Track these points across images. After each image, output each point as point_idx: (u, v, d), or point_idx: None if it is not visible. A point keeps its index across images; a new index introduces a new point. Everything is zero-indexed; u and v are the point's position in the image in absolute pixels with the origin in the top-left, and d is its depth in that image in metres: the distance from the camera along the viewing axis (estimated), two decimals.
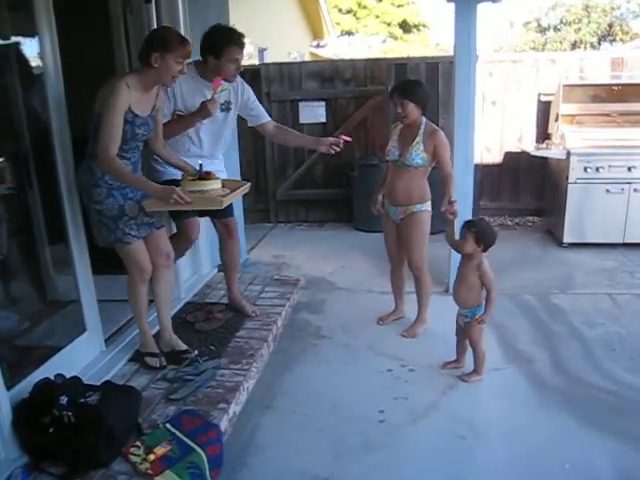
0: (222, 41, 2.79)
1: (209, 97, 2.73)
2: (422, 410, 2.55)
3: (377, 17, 16.36)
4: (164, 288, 2.74)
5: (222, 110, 2.93)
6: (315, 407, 2.60)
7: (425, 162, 3.04)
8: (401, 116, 3.01)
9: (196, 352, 2.79)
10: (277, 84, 5.70)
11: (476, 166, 5.35)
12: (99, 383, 2.29)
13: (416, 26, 16.93)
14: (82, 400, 2.07)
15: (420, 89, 3.06)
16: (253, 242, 5.33)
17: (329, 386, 2.78)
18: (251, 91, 3.13)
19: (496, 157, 5.63)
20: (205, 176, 2.52)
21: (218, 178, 2.57)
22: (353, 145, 5.70)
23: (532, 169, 5.51)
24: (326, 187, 5.87)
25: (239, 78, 3.00)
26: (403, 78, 3.31)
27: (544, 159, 5.08)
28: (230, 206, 3.18)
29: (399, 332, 3.32)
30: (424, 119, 3.06)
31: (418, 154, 3.02)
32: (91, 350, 2.68)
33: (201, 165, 2.56)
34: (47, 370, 2.33)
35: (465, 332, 2.77)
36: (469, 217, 3.65)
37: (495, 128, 5.55)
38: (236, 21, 8.26)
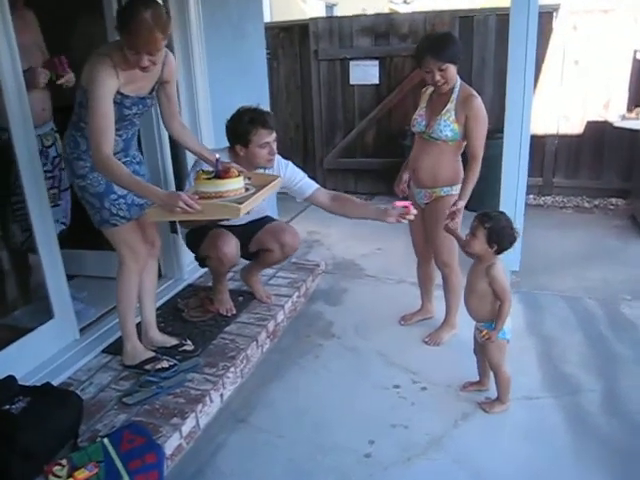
0: (245, 127, 2.49)
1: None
2: (421, 446, 2.08)
3: None
4: (149, 279, 2.43)
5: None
6: (295, 427, 2.21)
7: (456, 135, 2.47)
8: (440, 84, 2.42)
9: (189, 342, 2.49)
10: (326, 41, 5.14)
11: (534, 137, 4.64)
12: (40, 384, 2.02)
13: None
14: (6, 407, 1.81)
15: (457, 44, 2.46)
16: (291, 214, 4.94)
17: (319, 401, 2.37)
18: (291, 167, 2.73)
19: (576, 127, 4.75)
20: (223, 174, 2.07)
21: (240, 174, 2.12)
22: (408, 110, 5.07)
23: (619, 142, 4.60)
24: (377, 156, 5.31)
25: (277, 157, 2.63)
26: (429, 35, 2.63)
27: (634, 132, 4.21)
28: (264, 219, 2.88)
29: (422, 336, 2.82)
30: (459, 80, 2.47)
31: (448, 125, 2.45)
32: (60, 339, 2.44)
33: (218, 159, 2.13)
34: (3, 358, 2.17)
35: (483, 350, 2.24)
36: (516, 197, 3.05)
37: (577, 93, 4.67)
38: None
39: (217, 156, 2.16)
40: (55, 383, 2.21)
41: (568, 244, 3.98)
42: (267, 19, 7.00)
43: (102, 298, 2.79)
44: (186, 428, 2.05)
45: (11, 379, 1.93)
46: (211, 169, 2.17)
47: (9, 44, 2.10)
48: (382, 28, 4.97)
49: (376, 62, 5.05)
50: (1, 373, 1.98)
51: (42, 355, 2.34)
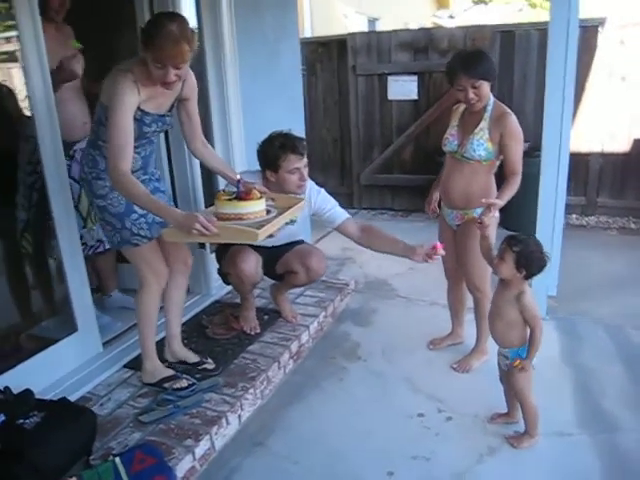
0: (275, 152, 2.48)
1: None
2: None
3: None
4: (176, 294, 2.42)
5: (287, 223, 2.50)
6: (312, 454, 2.14)
7: (490, 154, 2.37)
8: (473, 101, 2.33)
9: (210, 360, 2.47)
10: (364, 56, 5.11)
11: (577, 155, 4.43)
12: (57, 398, 2.03)
13: None
14: (20, 421, 1.82)
15: (489, 61, 2.37)
16: (326, 230, 4.86)
17: (339, 428, 2.29)
18: (323, 194, 2.71)
19: (622, 145, 4.52)
20: (244, 195, 2.00)
21: (262, 196, 2.06)
22: (446, 127, 4.96)
23: None
24: (415, 172, 5.20)
25: (309, 184, 2.62)
26: (461, 52, 2.52)
27: None
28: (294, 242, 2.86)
29: (450, 362, 2.71)
30: (492, 97, 2.38)
31: (481, 144, 2.35)
32: (83, 352, 2.45)
33: (239, 180, 2.08)
34: (25, 369, 2.21)
35: (508, 378, 2.12)
36: (554, 217, 2.90)
37: (623, 110, 4.44)
38: None
39: (238, 176, 2.13)
40: (75, 397, 2.24)
41: (611, 267, 3.78)
42: (308, 34, 7.05)
43: (131, 311, 2.81)
44: (200, 450, 2.01)
45: (28, 393, 1.94)
46: (233, 189, 2.12)
47: (40, 60, 2.14)
48: (421, 43, 4.90)
49: (415, 77, 4.97)
50: (24, 384, 2.00)
51: (64, 368, 2.36)
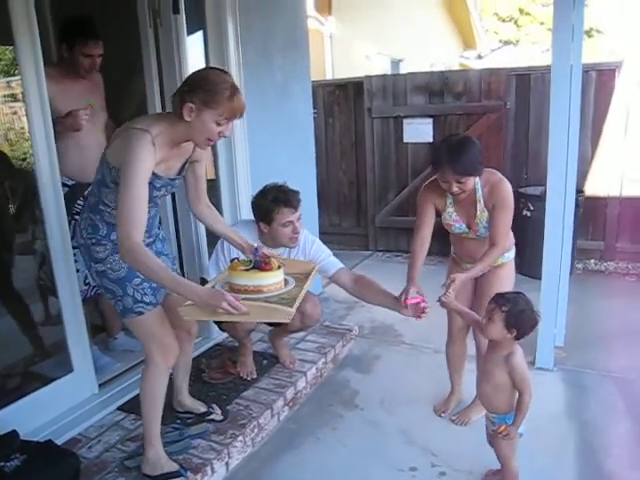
0: (268, 205, 2.49)
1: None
2: None
3: (542, 24, 14.58)
4: (184, 359, 2.33)
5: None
6: None
7: None
8: (457, 194, 2.25)
9: (218, 411, 2.42)
10: (380, 99, 5.17)
11: (594, 199, 4.33)
12: (42, 440, 2.05)
13: (587, 32, 14.79)
14: (1, 464, 1.83)
15: (478, 154, 2.21)
16: None
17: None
18: (317, 244, 2.72)
19: None
20: (263, 266, 1.88)
21: (281, 265, 1.95)
22: None
23: None
24: None
25: (304, 234, 2.67)
26: (449, 141, 2.25)
27: None
28: None
29: (450, 414, 2.64)
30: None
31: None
32: (78, 392, 2.48)
33: (257, 248, 1.98)
34: (19, 408, 2.23)
35: (493, 442, 2.04)
36: (560, 263, 2.82)
37: None
38: (366, 27, 8.00)
39: (256, 245, 2.03)
40: (65, 438, 2.25)
41: (628, 316, 3.63)
42: (329, 76, 7.20)
43: (133, 353, 2.86)
44: None
45: (13, 434, 1.96)
46: (243, 256, 2.04)
47: (41, 100, 2.24)
48: (436, 86, 4.94)
49: (430, 120, 4.99)
50: (15, 423, 2.04)
51: (58, 408, 2.37)
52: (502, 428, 1.92)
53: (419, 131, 5.07)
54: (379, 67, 8.33)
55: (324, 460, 2.37)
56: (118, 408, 2.51)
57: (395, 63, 8.97)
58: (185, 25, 2.84)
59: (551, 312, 2.88)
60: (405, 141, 5.15)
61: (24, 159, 3.37)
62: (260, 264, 1.89)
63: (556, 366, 2.98)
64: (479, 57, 15.49)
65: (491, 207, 2.28)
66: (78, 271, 2.61)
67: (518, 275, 4.23)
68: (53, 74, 2.37)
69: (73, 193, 2.60)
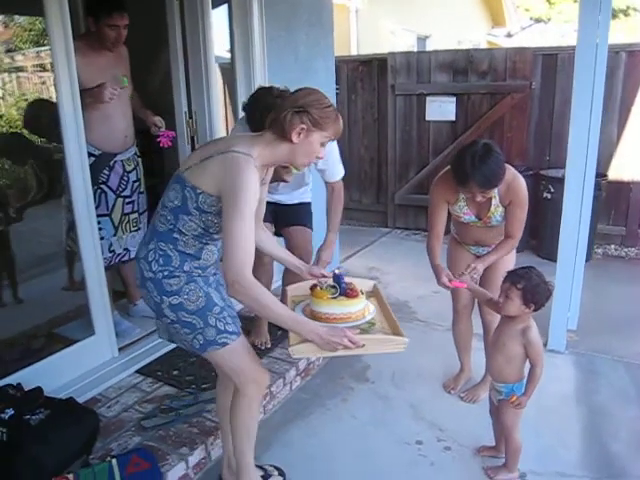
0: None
1: None
2: None
3: (575, 1, 14.04)
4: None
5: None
6: (305, 473, 2.16)
7: None
8: (478, 201, 2.25)
9: (275, 472, 2.13)
10: (404, 76, 5.13)
11: (619, 184, 4.26)
12: (64, 397, 2.15)
13: (623, 10, 14.17)
14: (27, 417, 1.93)
15: (501, 164, 2.14)
16: (355, 248, 4.93)
17: (336, 449, 2.31)
18: (334, 146, 2.52)
19: None
20: (351, 293, 1.81)
21: (362, 291, 1.87)
22: None
23: None
24: None
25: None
26: (471, 153, 2.10)
27: None
28: (303, 212, 2.85)
29: (459, 391, 2.68)
30: None
31: (502, 215, 2.34)
32: (99, 355, 2.58)
33: (340, 276, 1.88)
34: (43, 367, 2.34)
35: (498, 412, 2.08)
36: (576, 247, 2.82)
37: None
38: (392, 2, 7.85)
39: (337, 271, 1.92)
40: (86, 397, 2.35)
41: None
42: (354, 52, 7.12)
43: (151, 320, 2.93)
44: (193, 459, 2.08)
45: (38, 391, 2.07)
46: (324, 282, 1.90)
47: (69, 70, 2.30)
48: (461, 64, 4.88)
49: (453, 99, 4.94)
50: (40, 381, 2.14)
51: (80, 369, 2.48)
52: (514, 398, 1.96)
53: (442, 109, 5.02)
54: (405, 43, 8.20)
55: (333, 429, 2.44)
56: (136, 371, 2.61)
57: (421, 40, 8.82)
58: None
59: (565, 296, 2.88)
60: (427, 119, 5.12)
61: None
62: (346, 291, 1.82)
63: (568, 349, 2.99)
64: (509, 35, 15.08)
65: (507, 203, 2.28)
66: (102, 239, 2.70)
67: (537, 258, 4.29)
68: (80, 47, 2.42)
69: (99, 162, 2.66)
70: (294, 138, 1.63)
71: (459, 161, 2.14)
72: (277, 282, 3.08)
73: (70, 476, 1.88)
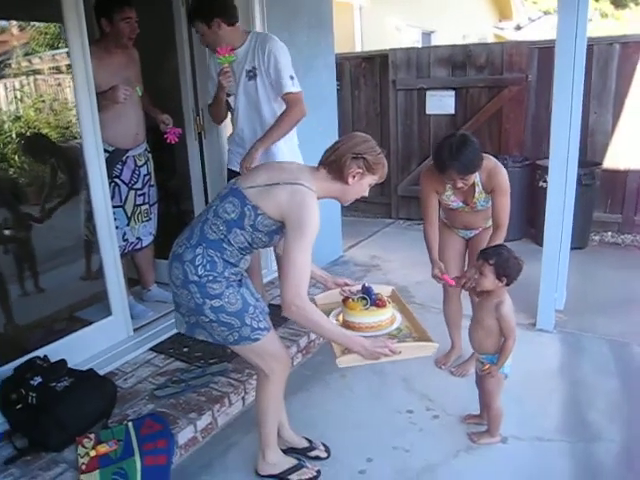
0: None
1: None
2: (415, 470, 2.16)
3: None
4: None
5: (249, 78, 2.68)
6: None
7: None
8: (462, 188, 2.41)
9: (322, 447, 2.28)
10: (404, 71, 5.29)
11: (614, 172, 4.36)
12: (85, 369, 2.38)
13: (622, 3, 13.98)
14: (52, 384, 2.16)
15: (477, 151, 2.32)
16: (359, 238, 5.11)
17: (333, 418, 2.51)
18: (281, 55, 2.65)
19: None
20: (379, 302, 2.01)
21: (389, 300, 2.08)
22: (484, 141, 5.07)
23: None
24: None
25: (261, 36, 2.73)
26: (448, 143, 2.30)
27: None
28: None
29: (450, 366, 2.87)
30: None
31: (486, 200, 2.52)
32: (115, 334, 2.81)
33: (369, 288, 2.06)
34: (66, 343, 2.57)
35: (480, 381, 2.26)
36: (561, 231, 2.98)
37: None
38: (394, 1, 7.93)
39: (366, 284, 2.10)
40: (104, 371, 2.58)
41: (636, 286, 3.75)
42: (358, 48, 7.29)
43: (164, 304, 3.17)
44: (201, 423, 2.29)
45: (62, 362, 2.30)
46: (355, 294, 2.08)
47: (87, 74, 2.52)
48: (459, 59, 5.03)
49: (452, 93, 5.10)
50: (63, 355, 2.38)
51: (98, 346, 2.71)
52: (487, 366, 2.15)
53: (441, 103, 5.18)
54: (409, 39, 8.34)
55: (331, 401, 2.64)
56: (150, 349, 2.84)
57: (426, 35, 8.95)
58: None
59: (552, 277, 3.04)
60: (428, 113, 5.28)
61: (67, 127, 3.68)
62: (376, 301, 2.01)
63: (556, 328, 3.15)
64: (518, 28, 15.05)
65: (490, 191, 2.45)
66: (117, 228, 2.92)
67: (534, 245, 4.44)
68: (95, 51, 2.63)
69: (113, 158, 2.88)
70: (349, 180, 1.84)
71: (438, 151, 2.33)
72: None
73: (92, 436, 2.12)
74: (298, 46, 3.73)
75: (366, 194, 1.93)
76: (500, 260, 2.07)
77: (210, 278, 1.81)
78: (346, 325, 2.00)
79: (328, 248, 4.41)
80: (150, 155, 3.13)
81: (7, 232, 3.27)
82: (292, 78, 2.67)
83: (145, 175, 3.07)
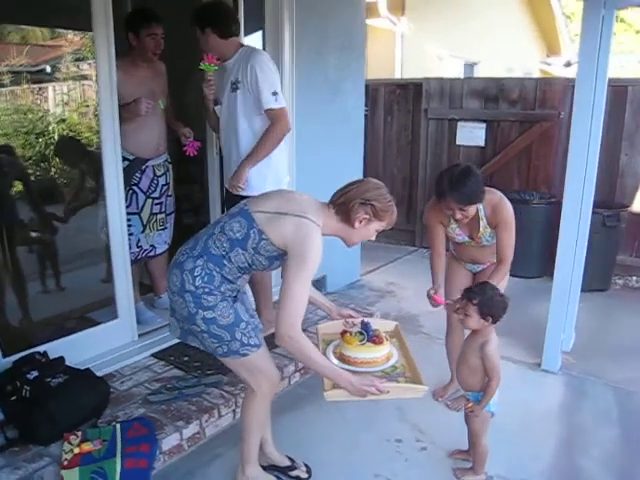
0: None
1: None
2: None
3: (638, 32, 13.77)
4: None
5: (232, 90, 2.73)
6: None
7: None
8: (461, 220, 2.40)
9: (303, 468, 2.28)
10: (437, 101, 5.32)
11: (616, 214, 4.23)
12: (82, 368, 2.46)
13: None
14: (48, 379, 2.25)
15: (478, 182, 2.31)
16: (379, 264, 5.11)
17: (321, 440, 2.50)
18: (263, 70, 2.67)
19: None
20: (376, 339, 2.03)
21: (387, 338, 2.10)
22: (512, 175, 5.05)
23: None
24: None
25: (249, 50, 2.78)
26: (450, 172, 2.33)
27: None
28: None
29: (447, 399, 2.83)
30: None
31: (492, 236, 2.51)
32: (120, 337, 2.89)
33: (367, 324, 2.11)
34: (70, 342, 2.66)
35: (467, 418, 2.22)
36: (572, 272, 2.92)
37: None
38: (439, 28, 8.01)
39: (365, 319, 2.15)
40: (103, 372, 2.65)
41: None
42: (398, 75, 7.36)
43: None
44: (188, 432, 2.33)
45: (60, 359, 2.39)
46: (353, 329, 2.12)
47: (111, 84, 2.65)
48: (492, 92, 5.03)
49: (483, 125, 5.09)
50: (66, 353, 2.46)
51: (102, 347, 2.78)
52: (470, 405, 2.12)
53: (472, 135, 5.17)
54: (452, 69, 8.37)
55: (321, 422, 2.63)
56: (152, 355, 2.91)
57: (469, 66, 8.95)
58: (242, 25, 3.15)
59: (560, 318, 2.98)
60: (458, 143, 5.27)
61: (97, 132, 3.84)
62: (373, 338, 2.04)
63: (561, 370, 3.07)
64: (568, 64, 14.82)
65: (495, 226, 2.44)
66: (132, 234, 3.04)
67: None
68: (122, 64, 2.77)
69: (132, 166, 3.01)
70: (355, 225, 1.89)
71: (440, 179, 2.35)
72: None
73: (79, 433, 2.19)
74: (326, 68, 3.81)
75: (373, 238, 1.97)
76: (484, 299, 2.04)
77: (206, 290, 1.84)
78: (342, 359, 2.02)
79: (345, 271, 4.44)
80: (170, 166, 3.25)
81: (33, 231, 3.46)
82: (275, 94, 2.69)
83: (163, 185, 3.18)
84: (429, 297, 2.57)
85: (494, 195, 2.46)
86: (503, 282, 2.59)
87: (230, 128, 2.82)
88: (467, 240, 2.58)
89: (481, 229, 2.49)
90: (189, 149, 3.13)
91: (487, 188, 2.42)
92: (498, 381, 2.07)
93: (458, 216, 2.36)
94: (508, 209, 2.44)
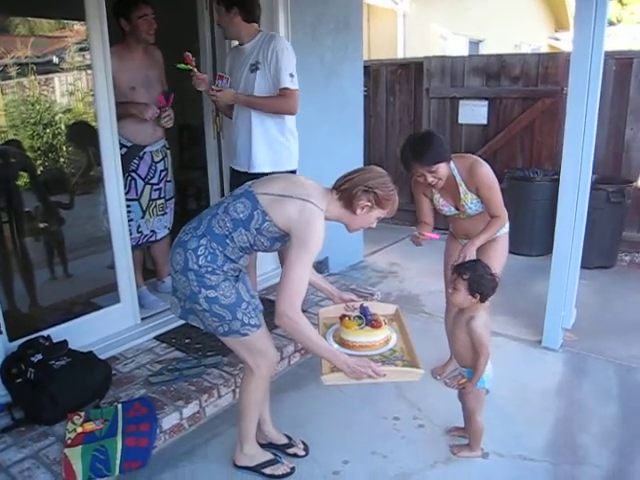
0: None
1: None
2: (389, 477, 2.17)
3: None
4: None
5: (251, 71, 2.79)
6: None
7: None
8: (434, 183, 2.40)
9: (301, 445, 2.32)
10: (438, 79, 5.27)
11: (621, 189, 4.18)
12: (85, 351, 2.51)
13: None
14: (51, 362, 2.31)
15: (440, 143, 2.37)
16: (383, 244, 5.11)
17: (319, 418, 2.54)
18: (284, 53, 2.73)
19: None
20: (375, 323, 2.05)
21: (385, 321, 2.11)
22: (515, 153, 5.00)
23: None
24: None
25: (269, 35, 2.83)
26: (410, 139, 2.42)
27: None
28: None
29: (446, 377, 2.85)
30: (451, 163, 2.45)
31: (474, 202, 2.49)
32: (122, 321, 2.95)
33: (366, 308, 2.14)
34: (75, 326, 2.72)
35: (462, 395, 2.24)
36: (572, 245, 2.90)
37: None
38: (442, 6, 7.90)
39: (364, 304, 2.17)
40: (106, 355, 2.71)
41: None
42: (400, 55, 7.28)
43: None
44: (187, 411, 2.38)
45: (64, 342, 2.45)
46: (352, 313, 2.15)
47: (106, 73, 2.67)
48: (494, 69, 4.96)
49: (485, 103, 5.03)
50: (69, 337, 2.52)
51: (105, 331, 2.84)
52: (463, 380, 2.13)
53: (474, 113, 5.12)
54: (456, 48, 8.25)
55: (320, 402, 2.66)
56: (154, 337, 2.96)
57: (474, 44, 8.82)
58: None
59: (559, 295, 2.97)
60: (460, 122, 5.23)
61: None
62: (371, 322, 2.07)
63: (562, 347, 3.07)
64: None
65: (476, 189, 2.44)
66: (132, 220, 3.07)
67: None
68: (116, 51, 2.78)
69: (130, 153, 3.03)
70: (357, 211, 1.92)
71: (402, 150, 2.39)
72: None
73: (82, 413, 2.24)
74: (323, 51, 3.78)
75: (373, 226, 2.00)
76: (474, 276, 2.04)
77: (209, 269, 1.87)
78: (341, 343, 2.05)
79: (348, 253, 4.45)
80: (168, 152, 3.26)
81: (40, 220, 3.51)
82: (292, 76, 2.75)
83: (162, 171, 3.20)
84: (414, 240, 2.63)
85: (468, 159, 2.48)
86: (502, 259, 2.60)
87: (244, 108, 2.83)
88: (454, 211, 2.58)
89: (462, 195, 2.48)
90: (160, 99, 3.07)
91: (460, 154, 2.47)
92: (487, 357, 2.08)
93: (430, 179, 2.36)
94: (483, 168, 2.43)
